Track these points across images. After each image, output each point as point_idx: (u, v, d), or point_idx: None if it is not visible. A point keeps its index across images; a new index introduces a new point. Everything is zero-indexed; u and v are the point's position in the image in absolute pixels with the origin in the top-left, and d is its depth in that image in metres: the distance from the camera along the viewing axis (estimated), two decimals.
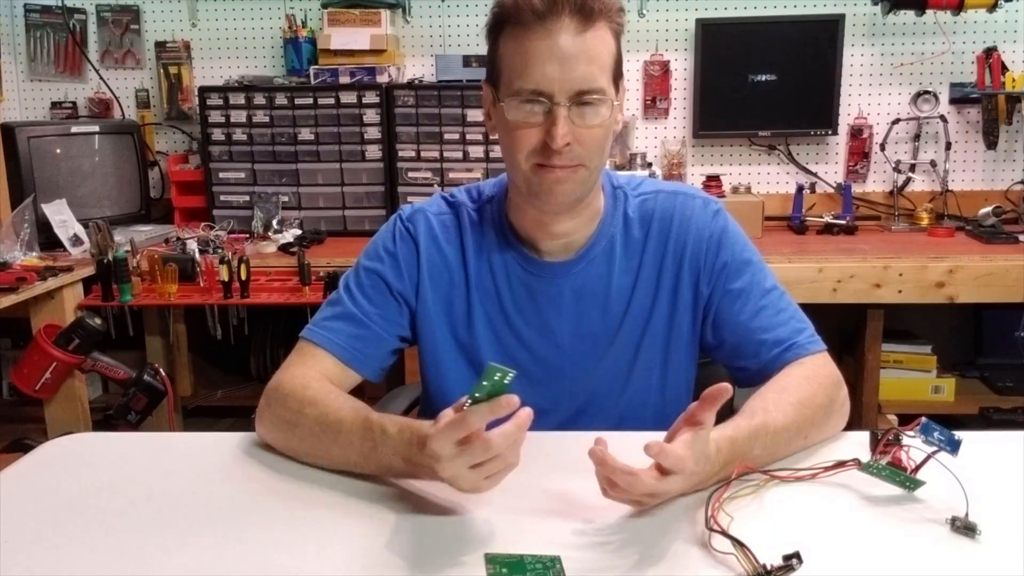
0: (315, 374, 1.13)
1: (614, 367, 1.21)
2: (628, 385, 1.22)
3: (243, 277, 2.32)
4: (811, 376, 1.11)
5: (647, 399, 1.22)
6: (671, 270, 1.20)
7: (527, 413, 0.84)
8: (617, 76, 1.10)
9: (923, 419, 0.92)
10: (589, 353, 1.21)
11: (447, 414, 0.86)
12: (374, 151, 2.76)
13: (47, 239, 2.51)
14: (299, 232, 2.70)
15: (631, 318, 1.20)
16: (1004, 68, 2.74)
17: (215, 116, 2.79)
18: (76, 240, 2.54)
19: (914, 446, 0.94)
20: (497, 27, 1.09)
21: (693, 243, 1.20)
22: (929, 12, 2.72)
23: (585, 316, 1.20)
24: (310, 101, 2.75)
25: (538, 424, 1.19)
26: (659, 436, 0.93)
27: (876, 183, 2.98)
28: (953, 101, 2.91)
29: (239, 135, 2.79)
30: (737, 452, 0.96)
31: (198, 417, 3.00)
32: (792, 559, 0.78)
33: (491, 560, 0.81)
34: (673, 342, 1.21)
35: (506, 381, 0.81)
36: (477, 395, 0.83)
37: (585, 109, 1.06)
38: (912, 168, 2.89)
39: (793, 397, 1.06)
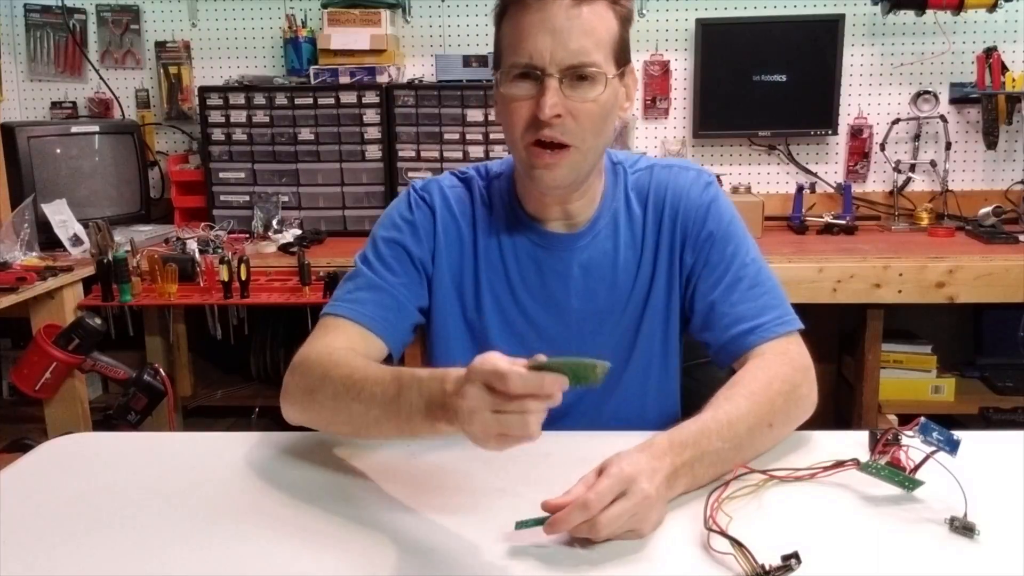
0: (341, 343, 1.12)
1: (619, 342, 1.21)
2: (631, 360, 1.22)
3: (243, 277, 2.32)
4: (765, 366, 1.09)
5: (649, 373, 1.23)
6: (667, 243, 1.20)
7: (557, 395, 0.78)
8: (620, 58, 1.10)
9: (922, 419, 0.92)
10: (595, 329, 1.21)
11: (497, 358, 0.80)
12: (374, 151, 2.76)
13: (47, 239, 2.51)
14: (299, 232, 2.70)
15: (636, 293, 1.21)
16: (1004, 68, 2.74)
17: (215, 116, 2.78)
18: (76, 240, 2.54)
19: (913, 446, 0.94)
20: (501, 14, 1.10)
21: (683, 213, 1.20)
22: (929, 12, 2.72)
23: (593, 291, 1.20)
24: (310, 101, 2.75)
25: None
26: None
27: (876, 183, 2.98)
28: (953, 101, 2.90)
29: (239, 135, 2.79)
30: (684, 444, 0.93)
31: (198, 417, 3.00)
32: (791, 559, 0.79)
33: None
34: (672, 315, 1.22)
35: (596, 372, 0.76)
36: (550, 364, 0.77)
37: (579, 83, 1.05)
38: (912, 168, 2.89)
39: (744, 389, 1.05)
